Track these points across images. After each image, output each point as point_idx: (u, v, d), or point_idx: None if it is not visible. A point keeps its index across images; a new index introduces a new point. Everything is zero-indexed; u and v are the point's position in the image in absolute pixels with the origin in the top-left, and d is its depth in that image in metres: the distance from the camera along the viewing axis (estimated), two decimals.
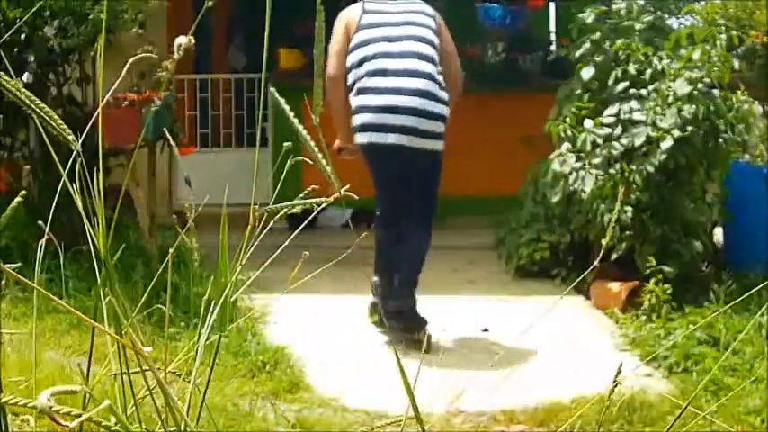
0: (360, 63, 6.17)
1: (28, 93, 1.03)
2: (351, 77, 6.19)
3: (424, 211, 6.27)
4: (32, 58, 7.29)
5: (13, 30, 6.50)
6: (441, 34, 6.33)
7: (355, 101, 6.14)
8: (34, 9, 6.57)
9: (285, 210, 1.42)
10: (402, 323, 6.03)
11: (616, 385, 1.36)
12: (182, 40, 1.36)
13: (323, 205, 1.30)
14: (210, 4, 1.35)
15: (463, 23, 10.03)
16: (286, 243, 1.59)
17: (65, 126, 1.04)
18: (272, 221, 1.44)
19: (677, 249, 6.86)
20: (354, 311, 6.57)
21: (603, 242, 1.45)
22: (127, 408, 1.17)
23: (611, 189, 6.91)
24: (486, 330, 6.41)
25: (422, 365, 1.34)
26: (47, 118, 1.01)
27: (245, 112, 9.92)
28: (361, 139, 6.10)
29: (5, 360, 4.18)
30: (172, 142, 1.71)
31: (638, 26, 7.57)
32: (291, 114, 1.10)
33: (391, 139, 5.99)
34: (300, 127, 1.17)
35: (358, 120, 6.11)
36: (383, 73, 6.10)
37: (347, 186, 1.40)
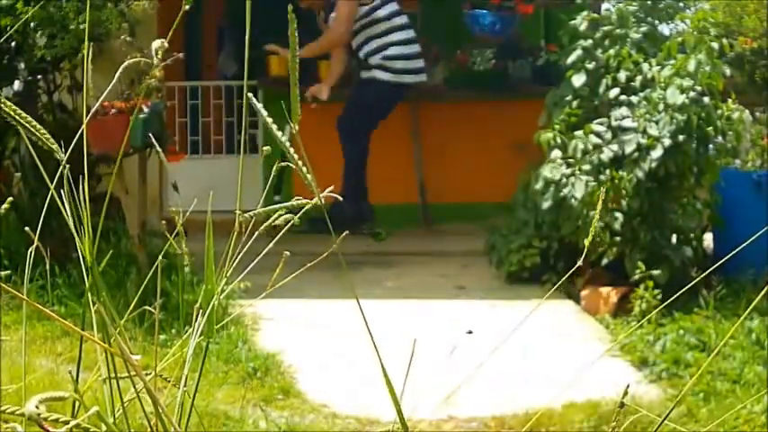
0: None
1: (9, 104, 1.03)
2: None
3: None
4: (23, 66, 7.28)
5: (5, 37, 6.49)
6: None
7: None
8: (24, 18, 6.55)
9: (274, 217, 1.42)
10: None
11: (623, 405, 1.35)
12: (157, 43, 1.37)
13: (305, 208, 1.30)
14: (188, 7, 1.36)
15: (452, 30, 10.04)
16: (266, 250, 1.59)
17: (48, 136, 1.05)
18: (260, 228, 1.45)
19: (667, 255, 6.87)
20: (346, 317, 6.56)
21: (586, 241, 1.44)
22: (115, 414, 1.18)
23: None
24: (470, 332, 6.41)
25: (410, 371, 1.34)
26: (31, 129, 1.02)
27: (236, 118, 9.92)
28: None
29: None
30: (159, 149, 1.71)
31: (629, 33, 7.59)
32: (270, 121, 1.10)
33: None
34: (281, 134, 1.17)
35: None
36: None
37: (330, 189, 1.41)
